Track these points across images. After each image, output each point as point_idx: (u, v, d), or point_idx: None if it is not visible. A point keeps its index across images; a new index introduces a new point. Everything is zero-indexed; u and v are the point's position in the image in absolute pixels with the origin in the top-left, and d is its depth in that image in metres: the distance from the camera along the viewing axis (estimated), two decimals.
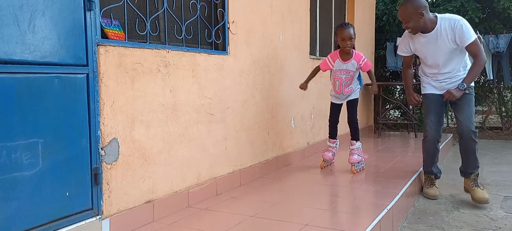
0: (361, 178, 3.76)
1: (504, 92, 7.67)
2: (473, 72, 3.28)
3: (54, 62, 2.05)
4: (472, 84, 3.43)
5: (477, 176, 3.51)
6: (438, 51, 3.35)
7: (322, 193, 3.41)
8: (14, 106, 1.89)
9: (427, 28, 3.32)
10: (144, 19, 2.65)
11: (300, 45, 4.56)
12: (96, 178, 2.27)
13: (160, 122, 2.68)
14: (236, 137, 3.45)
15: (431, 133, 3.56)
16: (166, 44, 2.79)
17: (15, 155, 1.90)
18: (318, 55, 5.15)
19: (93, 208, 2.28)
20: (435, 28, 3.31)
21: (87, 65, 2.20)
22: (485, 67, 6.12)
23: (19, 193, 1.93)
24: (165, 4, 2.80)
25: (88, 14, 2.20)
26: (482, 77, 7.22)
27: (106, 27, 2.39)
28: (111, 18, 2.44)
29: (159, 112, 2.67)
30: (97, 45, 2.26)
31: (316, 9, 5.17)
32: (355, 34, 3.80)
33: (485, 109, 8.14)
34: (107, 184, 2.35)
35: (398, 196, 3.10)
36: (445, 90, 3.37)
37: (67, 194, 2.14)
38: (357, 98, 3.95)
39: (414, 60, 3.82)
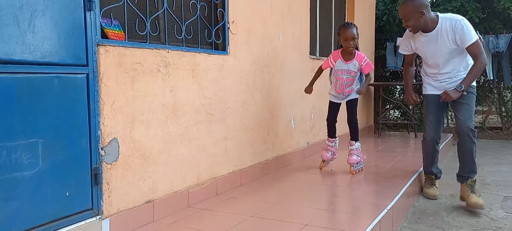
0: (361, 178, 3.76)
1: (504, 92, 7.67)
2: (472, 74, 3.24)
3: (54, 62, 2.05)
4: (474, 83, 3.40)
5: (474, 182, 3.41)
6: (438, 51, 3.32)
7: (322, 193, 3.41)
8: (14, 106, 1.89)
9: (428, 27, 3.29)
10: (144, 19, 2.65)
11: (300, 45, 4.56)
12: (96, 178, 2.27)
13: (160, 122, 2.69)
14: (236, 137, 3.45)
15: (430, 134, 3.55)
16: (166, 44, 2.79)
17: (15, 155, 1.90)
18: (318, 55, 5.15)
19: (93, 208, 2.28)
20: (436, 28, 3.28)
21: (87, 65, 2.20)
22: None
23: (19, 193, 1.93)
24: (165, 4, 2.80)
25: (88, 14, 2.20)
26: (482, 77, 7.21)
27: (106, 27, 2.39)
28: (111, 18, 2.44)
29: (159, 112, 2.67)
30: (97, 45, 2.26)
31: (316, 9, 5.17)
32: (358, 35, 3.77)
33: (485, 109, 8.14)
34: (107, 184, 2.35)
35: (398, 196, 3.10)
36: None
37: (67, 194, 2.14)
38: (357, 98, 3.93)
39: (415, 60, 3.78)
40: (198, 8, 3.08)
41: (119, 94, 2.39)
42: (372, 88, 7.04)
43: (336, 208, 2.91)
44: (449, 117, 7.98)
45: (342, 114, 4.01)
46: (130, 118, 2.47)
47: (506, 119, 7.79)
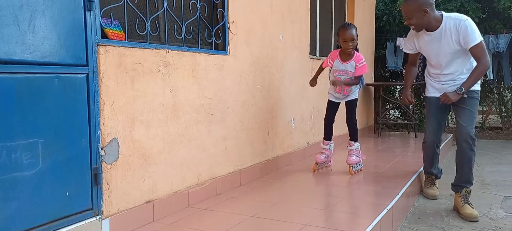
0: (361, 178, 3.76)
1: (504, 92, 7.67)
2: (474, 76, 3.15)
3: (54, 62, 2.05)
4: (478, 87, 3.30)
5: (469, 193, 3.29)
6: (441, 51, 3.25)
7: (322, 193, 3.42)
8: (14, 106, 1.89)
9: (431, 26, 3.21)
10: (144, 19, 2.65)
11: (300, 45, 4.56)
12: (96, 178, 2.27)
13: (160, 122, 2.69)
14: (236, 137, 3.45)
15: (430, 137, 3.51)
16: (166, 44, 2.79)
17: (15, 155, 1.90)
18: (318, 55, 5.15)
19: (93, 208, 2.28)
20: (440, 27, 3.20)
21: (87, 65, 2.20)
22: None
23: (19, 193, 1.93)
24: (165, 4, 2.80)
25: (88, 14, 2.20)
26: (483, 77, 7.21)
27: (106, 27, 2.39)
28: (111, 18, 2.44)
29: (159, 112, 2.67)
30: (97, 45, 2.26)
31: (316, 9, 5.17)
32: (357, 35, 3.75)
33: (485, 109, 8.14)
34: (107, 184, 2.35)
35: (398, 196, 3.10)
36: None
37: (67, 194, 2.14)
38: (356, 99, 3.91)
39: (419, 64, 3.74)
40: (198, 8, 3.08)
41: (119, 94, 2.39)
42: (372, 88, 7.04)
43: (336, 208, 2.91)
44: (450, 117, 7.97)
45: (342, 115, 4.00)
46: (130, 117, 2.47)
47: (506, 119, 7.79)
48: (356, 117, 3.96)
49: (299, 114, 4.55)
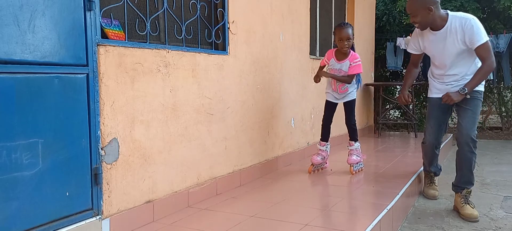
0: (361, 178, 3.76)
1: (504, 92, 7.67)
2: (478, 77, 3.07)
3: (54, 62, 2.05)
4: (482, 88, 3.24)
5: (469, 193, 3.27)
6: (446, 51, 3.18)
7: (322, 193, 3.42)
8: (14, 106, 1.89)
9: (436, 25, 3.16)
10: (144, 19, 2.65)
11: (300, 45, 4.56)
12: (96, 178, 2.27)
13: (160, 122, 2.69)
14: (236, 137, 3.45)
15: (429, 139, 3.47)
16: (166, 44, 2.79)
17: (15, 155, 1.90)
18: (318, 55, 5.15)
19: (93, 208, 2.28)
20: (445, 26, 3.14)
21: (87, 65, 2.20)
22: None
23: (19, 193, 1.93)
24: (165, 4, 2.80)
25: (88, 14, 2.20)
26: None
27: (106, 27, 2.39)
28: (111, 18, 2.44)
29: (159, 112, 2.67)
30: (97, 45, 2.26)
31: (316, 9, 5.17)
32: (353, 35, 3.74)
33: (485, 109, 8.14)
34: (107, 184, 2.35)
35: (398, 196, 3.10)
36: None
37: (67, 194, 2.14)
38: (354, 100, 3.88)
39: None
40: (198, 8, 3.08)
41: (119, 94, 2.39)
42: (372, 88, 7.04)
43: (336, 208, 2.91)
44: (450, 118, 7.97)
45: (342, 115, 3.99)
46: (130, 117, 2.47)
47: (506, 119, 7.79)
48: (355, 117, 3.94)
49: (299, 114, 4.55)
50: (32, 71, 1.96)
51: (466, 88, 3.08)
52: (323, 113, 3.99)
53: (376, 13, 7.31)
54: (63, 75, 2.09)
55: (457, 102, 3.17)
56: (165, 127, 2.72)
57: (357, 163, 3.94)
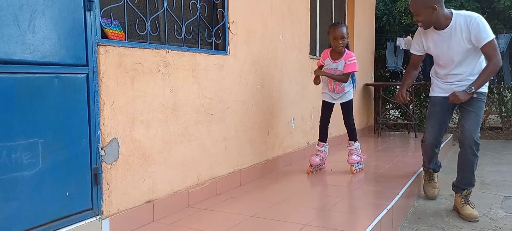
0: (361, 178, 3.76)
1: (504, 92, 7.67)
2: (485, 75, 3.02)
3: (54, 62, 2.05)
4: (485, 90, 3.20)
5: (470, 194, 3.26)
6: (451, 50, 3.12)
7: (322, 193, 3.42)
8: (14, 106, 1.89)
9: (440, 24, 3.10)
10: (144, 19, 2.65)
11: (300, 45, 4.56)
12: (96, 178, 2.27)
13: (160, 122, 2.69)
14: (236, 137, 3.45)
15: (429, 139, 3.43)
16: (166, 44, 2.79)
17: (15, 155, 1.90)
18: (318, 55, 5.15)
19: (93, 208, 2.28)
20: (450, 25, 3.08)
21: (87, 65, 2.20)
22: None
23: (19, 193, 1.93)
24: (165, 4, 2.80)
25: (88, 14, 2.20)
26: None
27: (106, 27, 2.39)
28: (111, 18, 2.44)
29: (159, 112, 2.68)
30: (97, 45, 2.26)
31: (316, 9, 5.17)
32: (348, 34, 3.73)
33: (485, 109, 8.13)
34: (107, 184, 2.35)
35: (398, 196, 3.10)
36: None
37: (67, 194, 2.14)
38: (351, 100, 3.87)
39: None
40: (198, 8, 3.08)
41: (119, 94, 2.39)
42: (372, 88, 7.04)
43: (336, 208, 2.91)
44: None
45: (340, 116, 3.97)
46: (130, 118, 2.47)
47: (506, 119, 7.79)
48: (354, 117, 3.93)
49: (299, 114, 4.55)
50: (32, 71, 1.96)
51: (473, 87, 3.03)
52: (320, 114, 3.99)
53: (376, 13, 7.31)
54: (63, 75, 2.09)
55: (462, 103, 3.13)
56: (165, 127, 2.73)
57: (357, 163, 3.94)
